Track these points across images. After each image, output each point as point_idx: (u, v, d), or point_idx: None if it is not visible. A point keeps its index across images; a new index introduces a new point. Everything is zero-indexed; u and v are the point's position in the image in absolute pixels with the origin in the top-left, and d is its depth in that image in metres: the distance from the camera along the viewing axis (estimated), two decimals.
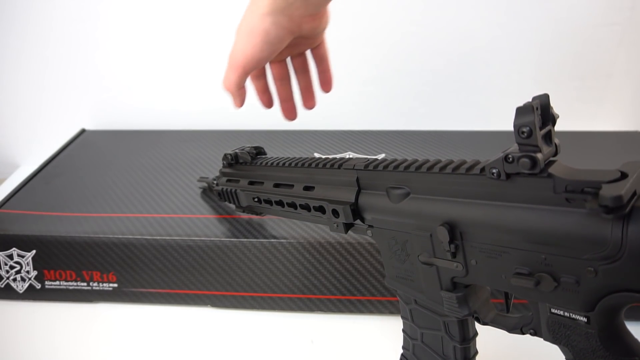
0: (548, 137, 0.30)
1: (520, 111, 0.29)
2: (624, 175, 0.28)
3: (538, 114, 0.29)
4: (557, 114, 0.30)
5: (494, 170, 0.31)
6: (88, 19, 0.89)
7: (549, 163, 0.30)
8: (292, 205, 0.49)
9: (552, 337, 0.33)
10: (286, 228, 0.60)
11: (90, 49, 0.92)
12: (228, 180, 0.60)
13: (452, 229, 0.34)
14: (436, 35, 0.87)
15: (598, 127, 0.90)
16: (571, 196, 0.28)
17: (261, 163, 0.54)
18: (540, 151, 0.29)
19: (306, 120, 0.94)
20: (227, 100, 0.52)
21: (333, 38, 0.89)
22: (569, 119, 0.90)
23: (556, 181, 0.29)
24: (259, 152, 0.59)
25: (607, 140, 0.81)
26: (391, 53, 0.89)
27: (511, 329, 0.36)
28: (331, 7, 0.46)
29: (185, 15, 0.88)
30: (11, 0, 0.87)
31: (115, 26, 0.90)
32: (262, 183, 0.53)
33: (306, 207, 0.48)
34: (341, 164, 0.43)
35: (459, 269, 0.36)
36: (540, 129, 0.29)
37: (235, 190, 0.58)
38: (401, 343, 0.45)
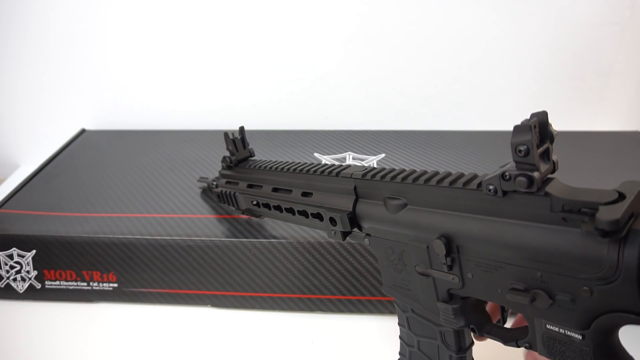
0: (546, 155, 0.30)
1: (518, 129, 0.28)
2: (621, 196, 0.27)
3: (536, 132, 0.28)
4: (555, 131, 0.30)
5: (491, 187, 0.31)
6: (88, 18, 0.89)
7: (547, 181, 0.29)
8: (290, 210, 0.49)
9: (547, 352, 0.33)
10: (286, 228, 0.60)
11: (90, 49, 0.92)
12: (227, 183, 0.60)
13: (449, 242, 0.34)
14: (436, 35, 0.87)
15: (598, 127, 0.90)
16: (568, 216, 0.28)
17: (260, 167, 0.54)
18: (537, 170, 0.29)
19: (306, 120, 0.94)
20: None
21: (334, 38, 0.89)
22: (569, 119, 0.90)
23: (553, 200, 0.28)
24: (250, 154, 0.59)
25: (607, 140, 0.81)
26: (391, 53, 0.89)
27: (507, 342, 0.36)
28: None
29: (185, 16, 0.88)
30: (11, 0, 0.87)
31: (115, 26, 0.90)
32: (261, 187, 0.53)
33: (304, 214, 0.47)
34: (339, 171, 0.43)
35: (455, 281, 0.35)
36: (538, 147, 0.29)
37: (234, 192, 0.58)
38: None
